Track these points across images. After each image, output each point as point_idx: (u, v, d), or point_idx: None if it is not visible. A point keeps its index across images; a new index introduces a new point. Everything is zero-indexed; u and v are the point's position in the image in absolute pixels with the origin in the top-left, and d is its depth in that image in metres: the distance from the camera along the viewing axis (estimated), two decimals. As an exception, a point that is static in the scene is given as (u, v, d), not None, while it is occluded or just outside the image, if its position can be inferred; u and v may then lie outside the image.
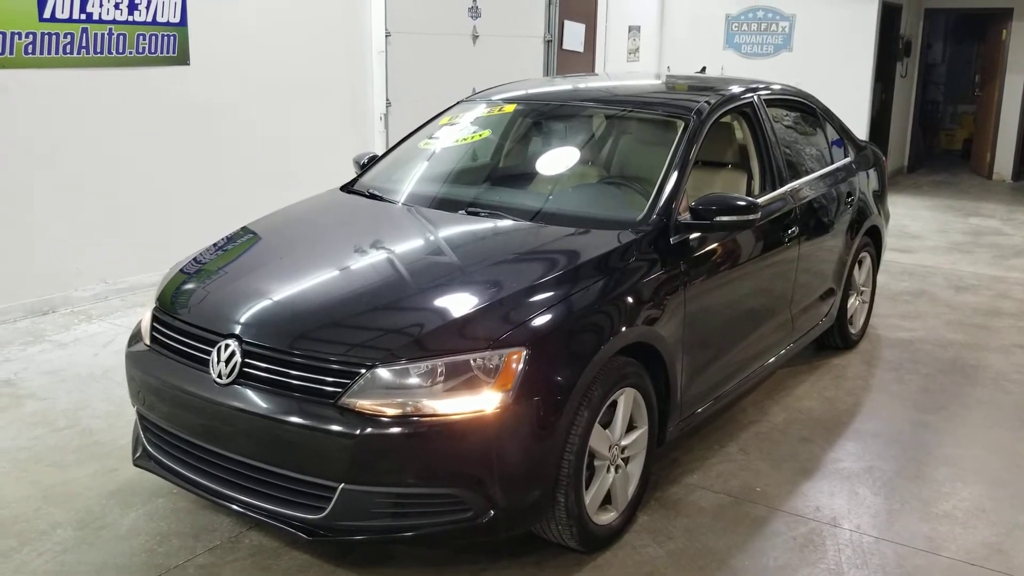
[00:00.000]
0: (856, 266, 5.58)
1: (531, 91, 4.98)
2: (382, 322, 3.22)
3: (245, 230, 4.12)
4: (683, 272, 3.74)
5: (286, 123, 7.57)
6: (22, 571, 3.28)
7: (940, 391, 5.16)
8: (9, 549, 3.41)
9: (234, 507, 3.16)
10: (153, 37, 6.41)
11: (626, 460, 3.52)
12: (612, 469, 3.43)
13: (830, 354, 5.66)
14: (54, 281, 6.16)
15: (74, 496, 3.78)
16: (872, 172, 5.89)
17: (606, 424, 3.37)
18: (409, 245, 3.87)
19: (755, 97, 4.74)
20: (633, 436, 3.53)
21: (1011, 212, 10.76)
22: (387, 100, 8.44)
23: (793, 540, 3.60)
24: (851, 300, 5.62)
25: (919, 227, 9.76)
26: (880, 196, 5.96)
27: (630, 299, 3.46)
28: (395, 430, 2.91)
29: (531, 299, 3.23)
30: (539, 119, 4.80)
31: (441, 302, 3.29)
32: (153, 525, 3.57)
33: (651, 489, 3.85)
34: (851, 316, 5.67)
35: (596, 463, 3.36)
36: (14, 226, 5.92)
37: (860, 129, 10.99)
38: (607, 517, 3.45)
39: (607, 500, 3.46)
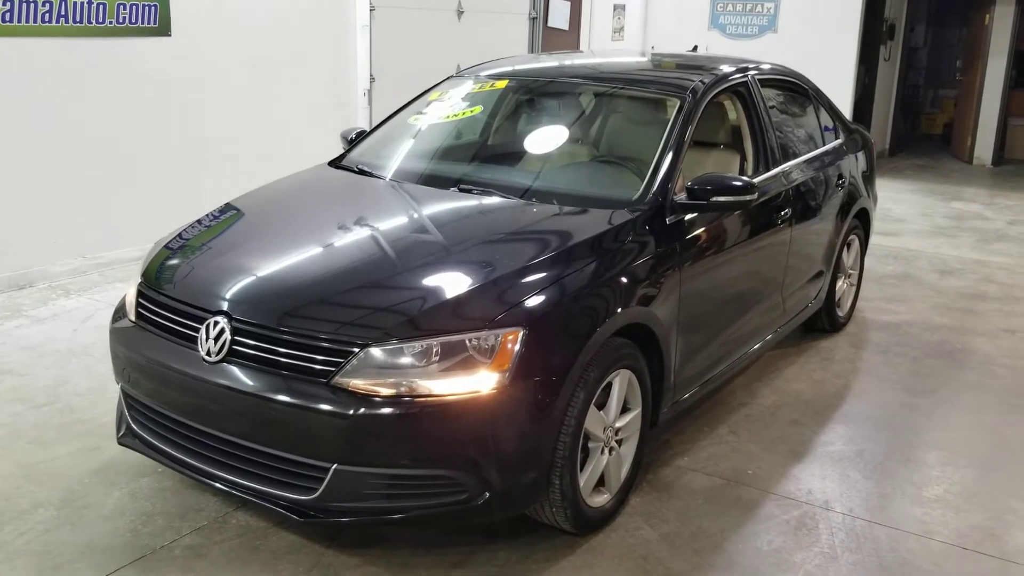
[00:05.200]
0: (845, 248, 5.55)
1: (523, 67, 4.90)
2: (376, 300, 3.15)
3: (232, 205, 4.03)
4: (679, 252, 3.69)
5: (268, 97, 7.45)
6: (3, 551, 3.20)
7: (929, 374, 5.16)
8: (-11, 529, 3.33)
9: (222, 487, 3.09)
10: (134, 7, 6.27)
11: (619, 442, 3.48)
12: (606, 451, 3.39)
13: (817, 336, 5.64)
14: (31, 255, 6.03)
15: (56, 475, 3.70)
16: (861, 155, 5.86)
17: (600, 406, 3.32)
18: (401, 222, 3.80)
19: (749, 77, 4.69)
20: (627, 418, 3.49)
21: (992, 197, 10.80)
22: (371, 75, 8.33)
23: (786, 523, 3.57)
24: (839, 283, 5.60)
25: (902, 211, 9.77)
26: (868, 179, 5.94)
27: (627, 279, 3.41)
28: (390, 410, 2.84)
29: (527, 279, 3.17)
30: (532, 96, 4.73)
31: (435, 280, 3.22)
32: (138, 505, 3.50)
33: (642, 471, 3.81)
34: (839, 299, 5.65)
35: (590, 445, 3.31)
36: (-10, 198, 5.79)
37: (844, 112, 10.96)
38: (600, 499, 3.42)
39: (600, 482, 3.42)
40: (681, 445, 4.16)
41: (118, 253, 6.46)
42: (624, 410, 3.49)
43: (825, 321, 5.60)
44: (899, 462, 4.10)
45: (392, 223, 3.77)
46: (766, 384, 4.90)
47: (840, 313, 5.72)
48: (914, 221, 9.32)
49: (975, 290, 6.86)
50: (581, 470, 3.26)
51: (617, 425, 3.43)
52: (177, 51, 6.64)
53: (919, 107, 15.98)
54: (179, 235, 3.78)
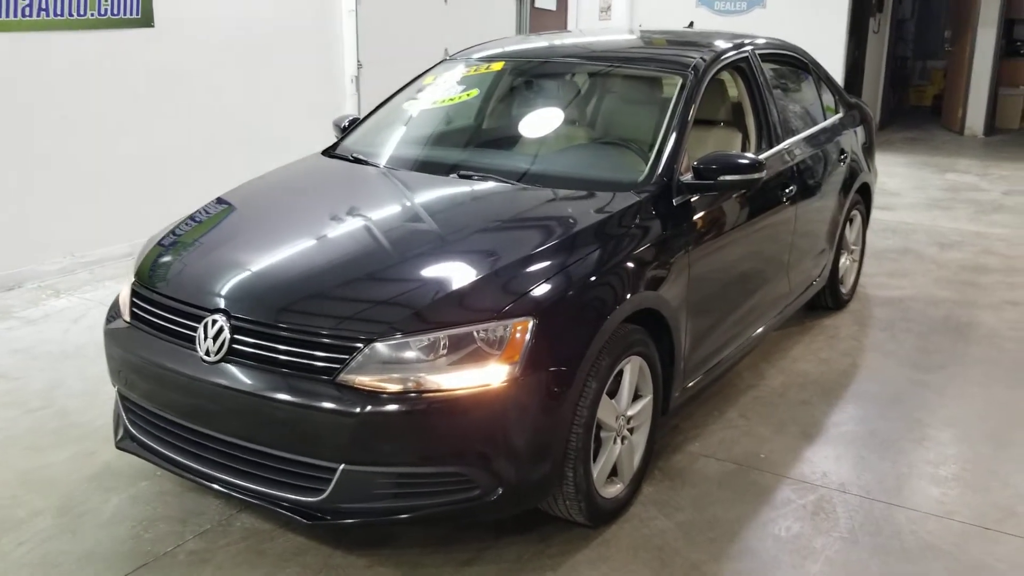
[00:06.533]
0: (847, 224, 5.47)
1: (518, 48, 4.79)
2: (380, 293, 3.05)
3: (226, 199, 3.92)
4: (686, 234, 3.60)
5: (255, 87, 7.31)
6: (3, 562, 3.10)
7: (935, 350, 5.09)
8: (-14, 539, 3.23)
9: (226, 490, 2.99)
10: (114, -2, 6.14)
11: (631, 430, 3.40)
12: (618, 440, 3.31)
13: (821, 314, 5.56)
14: (18, 255, 5.90)
15: (53, 481, 3.60)
16: (860, 129, 5.77)
17: (612, 394, 3.23)
18: (400, 211, 3.68)
19: (750, 51, 4.59)
20: (639, 406, 3.40)
21: (986, 167, 10.73)
22: (358, 62, 8.19)
23: (803, 508, 3.50)
24: (843, 259, 5.52)
25: (897, 184, 9.69)
26: (869, 153, 5.85)
27: (635, 264, 3.32)
28: (398, 407, 2.75)
29: (534, 266, 3.08)
30: (529, 78, 4.61)
31: (439, 271, 3.12)
32: (138, 510, 3.40)
33: (654, 459, 3.73)
34: (842, 275, 5.57)
35: (603, 435, 3.23)
36: (-25, 198, 5.66)
37: (836, 86, 10.88)
38: (614, 490, 3.33)
39: (613, 472, 3.34)
40: (692, 430, 4.08)
41: (107, 251, 6.34)
42: (636, 398, 3.40)
43: (829, 299, 5.52)
44: (913, 441, 4.03)
45: (391, 212, 3.66)
46: (773, 365, 4.83)
47: (844, 290, 5.64)
48: (909, 194, 9.24)
49: (976, 262, 6.79)
50: (594, 461, 3.17)
51: (629, 413, 3.35)
52: (161, 42, 6.50)
53: (907, 79, 15.89)
54: (172, 231, 3.66)
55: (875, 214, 7.83)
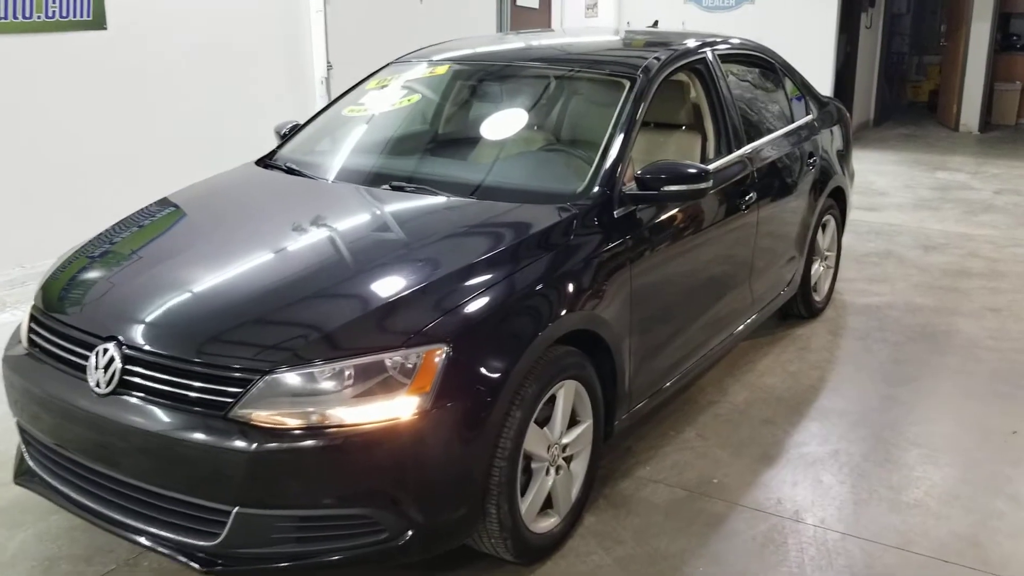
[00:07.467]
0: (820, 230, 5.25)
1: (469, 51, 4.56)
2: (285, 318, 2.83)
3: (138, 215, 3.71)
4: (629, 248, 3.38)
5: (218, 91, 7.09)
6: None
7: (910, 361, 4.87)
8: None
9: (122, 533, 2.78)
10: (64, -1, 5.93)
11: (568, 459, 3.18)
12: (552, 471, 3.09)
13: (793, 324, 5.35)
14: (-35, 267, 5.72)
15: (-42, 516, 3.40)
16: (835, 129, 5.55)
17: (544, 422, 3.02)
18: (325, 228, 3.42)
19: (709, 52, 4.37)
20: (576, 432, 3.19)
21: (979, 165, 10.49)
22: (328, 63, 7.97)
23: (752, 540, 3.28)
24: (815, 266, 5.30)
25: (885, 183, 9.46)
26: (844, 155, 5.63)
27: (569, 282, 3.10)
28: (296, 444, 2.54)
29: (455, 287, 2.87)
30: (476, 82, 4.38)
31: (355, 293, 2.92)
32: (43, 548, 3.19)
33: (599, 485, 3.53)
34: (815, 283, 5.35)
35: (534, 466, 3.02)
36: (-84, 209, 5.47)
37: (825, 82, 10.67)
38: (547, 524, 3.12)
39: (548, 504, 3.13)
40: (644, 452, 3.87)
41: (60, 260, 6.13)
42: (573, 423, 3.19)
43: (801, 307, 5.30)
44: (876, 463, 3.82)
45: (315, 230, 3.40)
46: (738, 379, 4.61)
47: (817, 298, 5.42)
48: (897, 194, 9.01)
49: (959, 266, 6.56)
50: (523, 495, 2.96)
51: (564, 441, 3.13)
52: (115, 45, 6.27)
53: (904, 75, 15.63)
54: (75, 251, 3.46)
55: (860, 215, 7.67)
